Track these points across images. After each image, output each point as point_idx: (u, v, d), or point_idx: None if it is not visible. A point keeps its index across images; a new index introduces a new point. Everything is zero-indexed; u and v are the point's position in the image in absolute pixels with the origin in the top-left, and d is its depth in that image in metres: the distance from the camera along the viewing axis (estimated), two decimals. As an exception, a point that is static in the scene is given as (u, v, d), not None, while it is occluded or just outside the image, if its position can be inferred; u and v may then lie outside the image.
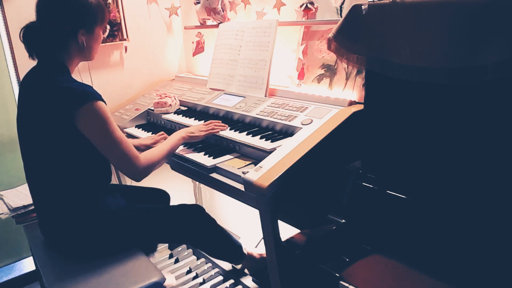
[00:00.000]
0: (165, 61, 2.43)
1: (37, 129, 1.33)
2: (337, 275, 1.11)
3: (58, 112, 1.27)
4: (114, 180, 1.96)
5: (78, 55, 1.41)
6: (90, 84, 1.35)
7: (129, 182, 2.30)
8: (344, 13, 1.27)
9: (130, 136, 1.90)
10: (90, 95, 1.28)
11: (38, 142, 1.34)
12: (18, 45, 1.72)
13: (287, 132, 1.49)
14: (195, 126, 1.62)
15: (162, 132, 1.76)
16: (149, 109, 2.05)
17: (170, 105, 1.94)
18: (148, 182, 2.41)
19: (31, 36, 1.35)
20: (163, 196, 1.83)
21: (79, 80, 1.38)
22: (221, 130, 1.58)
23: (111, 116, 1.32)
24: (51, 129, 1.30)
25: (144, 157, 1.39)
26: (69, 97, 1.27)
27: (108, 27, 1.48)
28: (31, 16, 1.36)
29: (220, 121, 1.64)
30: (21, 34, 1.35)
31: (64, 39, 1.35)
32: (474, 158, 1.05)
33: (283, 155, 1.26)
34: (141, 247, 1.48)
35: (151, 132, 1.87)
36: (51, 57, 1.36)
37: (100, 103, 1.29)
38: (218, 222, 1.62)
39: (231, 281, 1.91)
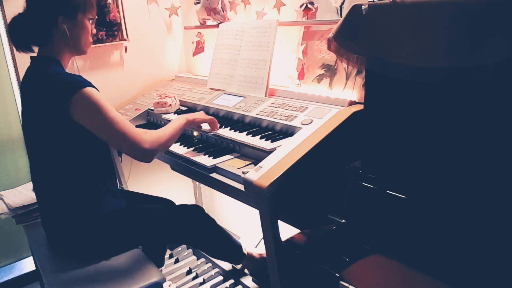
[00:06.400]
0: (165, 61, 2.43)
1: (38, 127, 1.33)
2: (337, 275, 1.11)
3: (52, 107, 1.27)
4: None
5: (66, 48, 1.37)
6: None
7: (129, 186, 2.30)
8: (344, 13, 1.27)
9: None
10: (78, 84, 1.26)
11: (40, 140, 1.35)
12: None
13: (287, 132, 1.49)
14: (196, 113, 1.62)
15: None
16: (149, 109, 2.05)
17: (170, 105, 1.94)
18: (148, 181, 2.42)
19: (16, 27, 1.34)
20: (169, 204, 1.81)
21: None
22: (216, 129, 1.61)
23: (103, 99, 1.28)
24: (50, 125, 1.30)
25: (149, 136, 1.35)
26: (58, 90, 1.26)
27: (95, 17, 1.43)
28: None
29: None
30: (8, 26, 1.34)
31: (46, 28, 1.33)
32: (474, 158, 1.05)
33: (283, 155, 1.26)
34: (141, 247, 1.48)
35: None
36: (40, 52, 1.36)
37: (89, 89, 1.27)
38: (218, 222, 1.62)
39: (231, 281, 1.91)
